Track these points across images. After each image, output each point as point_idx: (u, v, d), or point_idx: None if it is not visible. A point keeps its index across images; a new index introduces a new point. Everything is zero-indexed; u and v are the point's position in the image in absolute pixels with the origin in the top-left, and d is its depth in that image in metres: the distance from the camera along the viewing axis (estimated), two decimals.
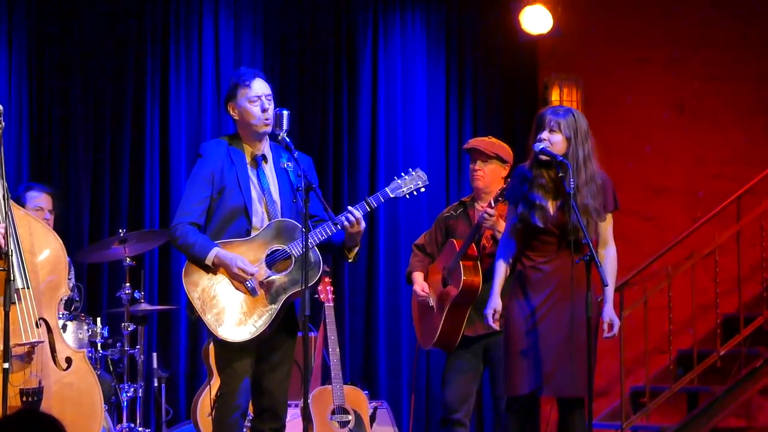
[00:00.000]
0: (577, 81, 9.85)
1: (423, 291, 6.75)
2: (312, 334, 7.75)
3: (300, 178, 5.24)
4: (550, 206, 5.56)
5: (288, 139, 5.38)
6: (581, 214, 5.44)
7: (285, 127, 5.39)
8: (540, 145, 5.53)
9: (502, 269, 5.75)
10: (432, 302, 6.72)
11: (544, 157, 5.56)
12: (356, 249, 5.52)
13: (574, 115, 5.61)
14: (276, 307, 5.39)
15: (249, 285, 5.35)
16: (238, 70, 5.63)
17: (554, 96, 9.77)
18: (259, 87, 5.49)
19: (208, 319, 5.36)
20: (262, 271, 5.37)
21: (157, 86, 9.03)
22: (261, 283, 5.39)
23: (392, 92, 9.48)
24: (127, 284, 7.60)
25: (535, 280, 5.65)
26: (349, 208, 5.41)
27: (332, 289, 7.69)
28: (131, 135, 8.93)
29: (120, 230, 7.72)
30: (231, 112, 5.53)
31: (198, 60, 9.11)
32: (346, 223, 5.36)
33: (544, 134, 5.54)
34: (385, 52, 9.50)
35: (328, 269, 7.57)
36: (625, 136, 10.00)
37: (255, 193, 5.44)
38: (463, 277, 6.49)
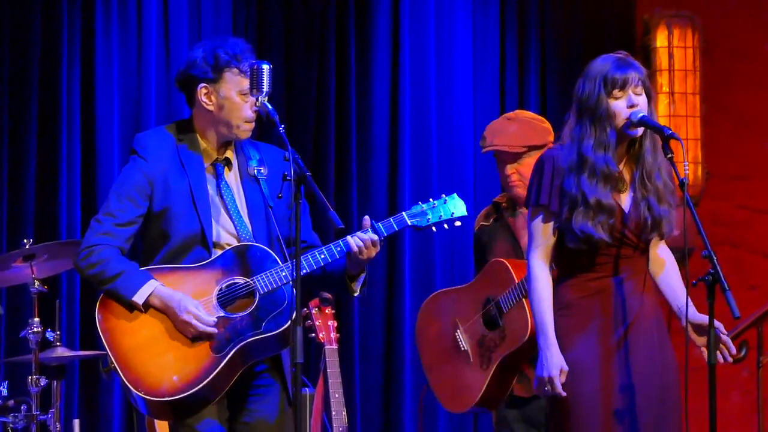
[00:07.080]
0: (692, 20, 9.17)
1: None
2: (307, 391, 7.33)
3: (287, 185, 4.94)
4: (623, 201, 5.10)
5: (270, 107, 4.97)
6: (662, 203, 5.06)
7: (266, 88, 5.03)
8: (639, 113, 5.01)
9: (548, 302, 5.10)
10: (466, 347, 6.31)
11: (636, 130, 5.04)
12: (363, 276, 5.29)
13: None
14: (221, 357, 5.10)
15: (200, 327, 5.13)
16: (226, 40, 5.22)
17: (659, 41, 9.09)
18: None
19: (129, 376, 5.07)
20: (210, 311, 5.14)
21: (77, 35, 8.11)
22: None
23: (421, 40, 8.80)
24: (36, 320, 7.04)
25: (600, 312, 5.09)
26: (357, 235, 5.18)
27: (336, 324, 6.96)
28: (39, 108, 8.13)
29: (24, 241, 7.08)
30: (202, 98, 5.14)
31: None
32: (355, 247, 5.14)
33: (637, 97, 5.02)
34: None
35: (329, 296, 7.03)
36: (764, 102, 9.25)
37: (216, 214, 5.19)
38: (530, 323, 5.98)
